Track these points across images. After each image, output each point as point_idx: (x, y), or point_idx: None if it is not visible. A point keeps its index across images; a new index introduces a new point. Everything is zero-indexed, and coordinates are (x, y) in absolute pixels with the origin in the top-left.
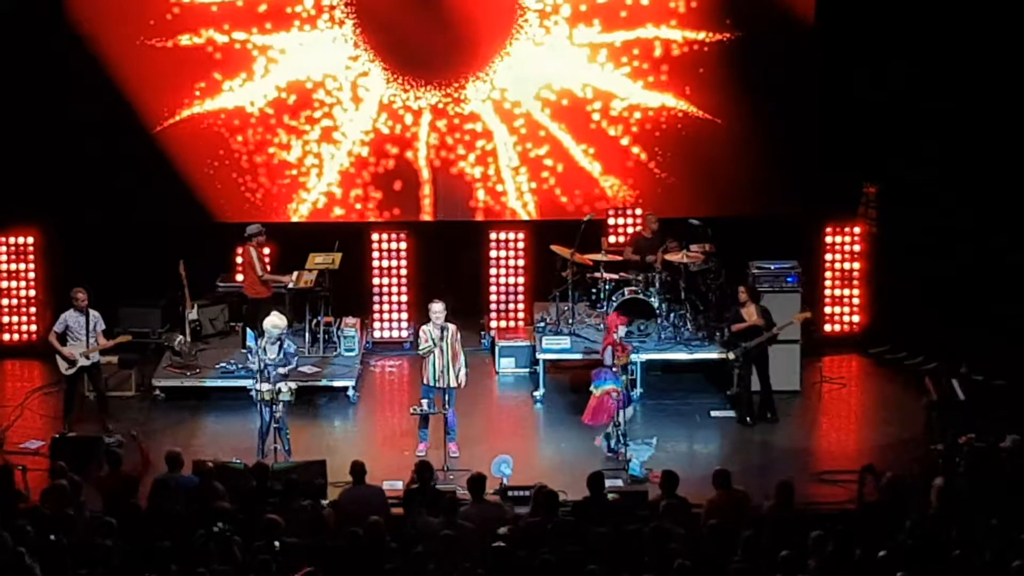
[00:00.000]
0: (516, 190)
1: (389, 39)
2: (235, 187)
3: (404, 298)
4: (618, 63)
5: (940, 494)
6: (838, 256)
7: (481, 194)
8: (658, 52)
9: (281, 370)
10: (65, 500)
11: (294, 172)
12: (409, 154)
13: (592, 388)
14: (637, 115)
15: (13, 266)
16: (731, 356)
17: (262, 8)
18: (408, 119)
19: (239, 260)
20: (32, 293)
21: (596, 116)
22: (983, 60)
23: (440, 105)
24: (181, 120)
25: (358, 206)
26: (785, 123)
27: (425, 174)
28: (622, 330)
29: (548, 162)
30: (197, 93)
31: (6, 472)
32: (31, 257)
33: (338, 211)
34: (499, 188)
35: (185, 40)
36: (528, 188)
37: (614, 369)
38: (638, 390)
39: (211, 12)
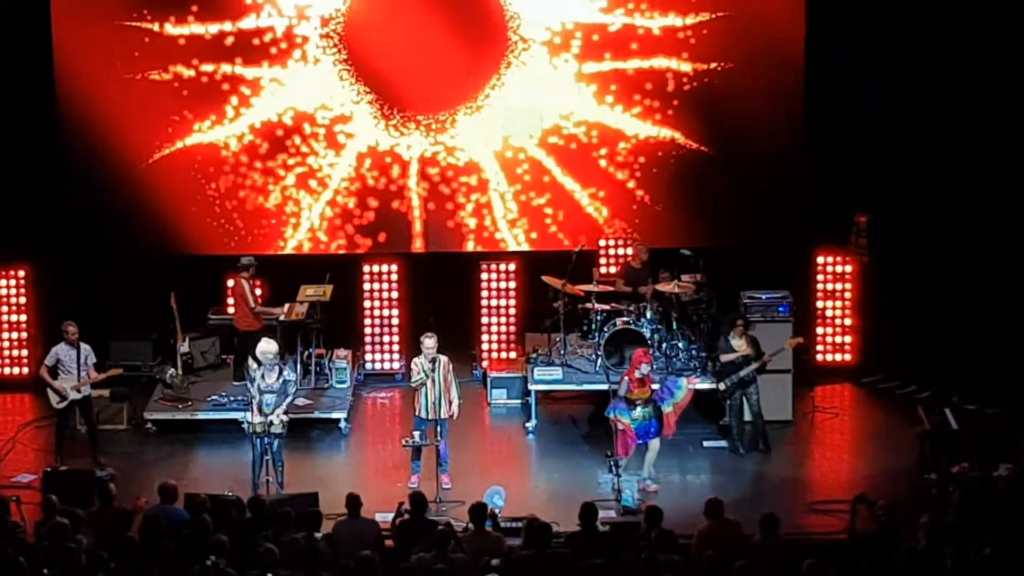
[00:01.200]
0: (507, 221)
1: (379, 71)
2: (225, 219)
3: (396, 329)
4: (608, 93)
5: (928, 530)
6: (829, 286)
7: (472, 224)
8: (648, 83)
9: (279, 409)
10: (59, 534)
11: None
12: (398, 182)
13: (610, 413)
14: (627, 145)
15: (4, 300)
16: (722, 387)
17: (251, 41)
18: (397, 150)
19: (230, 286)
20: (24, 327)
21: (586, 146)
22: (974, 89)
23: (429, 135)
24: (170, 153)
25: (348, 234)
26: (775, 153)
27: (415, 204)
28: (644, 368)
29: (539, 193)
30: (188, 126)
31: (2, 505)
32: (22, 291)
33: (327, 241)
34: (490, 219)
35: (174, 74)
36: (519, 219)
37: (631, 402)
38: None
39: (200, 47)
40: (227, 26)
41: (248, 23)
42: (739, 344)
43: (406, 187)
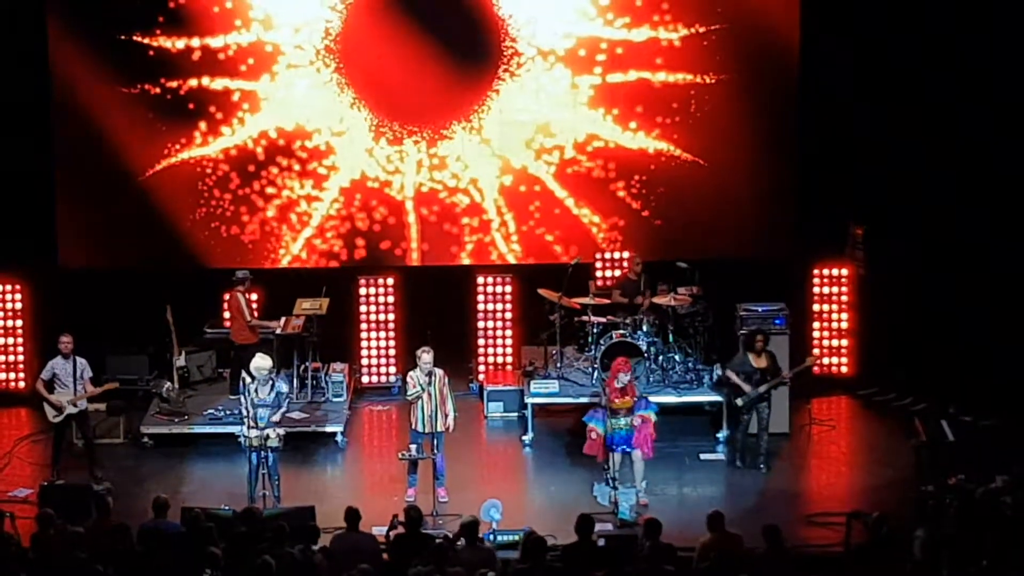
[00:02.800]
0: (503, 234)
1: (374, 84)
2: (221, 233)
3: (392, 343)
4: (604, 106)
5: (923, 544)
6: (826, 297)
7: (468, 238)
8: (642, 96)
9: (274, 418)
10: (55, 547)
11: (282, 216)
12: (395, 197)
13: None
14: (623, 158)
15: (2, 314)
16: (739, 402)
17: (249, 58)
18: (393, 164)
19: (227, 300)
20: (20, 341)
21: (583, 159)
22: (974, 96)
23: (425, 149)
24: (167, 167)
25: (344, 247)
26: (771, 164)
27: (411, 218)
28: (623, 377)
29: (534, 206)
30: (183, 140)
31: None
32: (18, 305)
33: (323, 256)
34: (486, 232)
35: (169, 87)
36: (515, 232)
37: (611, 411)
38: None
39: (194, 60)
40: (222, 40)
41: (243, 37)
42: (756, 360)
43: (402, 200)
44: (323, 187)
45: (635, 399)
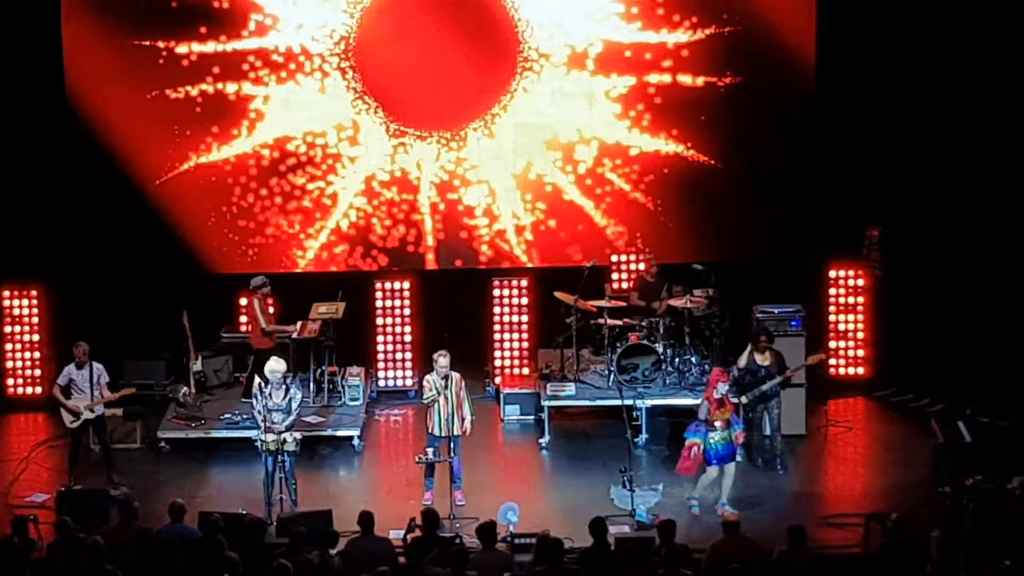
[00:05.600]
0: (519, 237)
1: (389, 88)
2: (237, 238)
3: (408, 347)
4: (618, 109)
5: (940, 545)
6: (842, 299)
7: (484, 241)
8: (658, 98)
9: (286, 423)
10: (73, 552)
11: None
12: (410, 200)
13: (686, 436)
14: (638, 160)
15: (17, 320)
16: (743, 400)
17: (264, 63)
18: (409, 168)
19: (245, 305)
20: (37, 347)
21: (598, 162)
22: (989, 95)
23: (441, 153)
24: (182, 172)
25: (360, 251)
26: (786, 166)
27: (427, 222)
28: (722, 387)
29: (550, 209)
30: (198, 145)
31: (20, 525)
32: (35, 311)
33: (339, 261)
34: (501, 235)
35: (184, 92)
36: (531, 235)
37: (710, 423)
38: (644, 436)
39: (211, 65)
40: (238, 44)
41: (259, 42)
42: (763, 359)
43: (417, 204)
44: (338, 191)
45: (732, 411)
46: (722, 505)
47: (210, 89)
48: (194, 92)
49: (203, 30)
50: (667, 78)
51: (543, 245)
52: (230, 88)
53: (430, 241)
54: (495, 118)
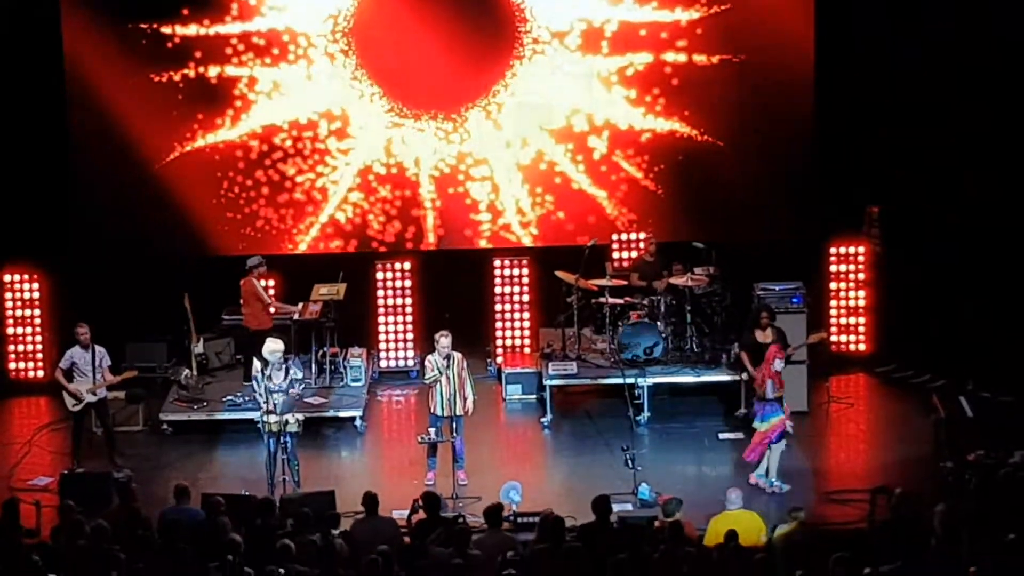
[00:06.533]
0: (519, 217)
1: (389, 69)
2: (238, 220)
3: (410, 327)
4: (620, 88)
5: (943, 519)
6: (843, 276)
7: (484, 221)
8: (659, 77)
9: (283, 401)
10: (75, 535)
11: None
12: (414, 169)
13: (757, 424)
14: (638, 140)
15: (19, 303)
16: (745, 377)
17: (260, 41)
18: (413, 139)
19: (242, 287)
20: (39, 330)
21: (598, 141)
22: (987, 72)
23: (441, 133)
24: (183, 154)
25: (366, 222)
26: (786, 145)
27: (427, 202)
28: (779, 363)
29: (551, 188)
30: (198, 128)
31: (12, 506)
32: (37, 294)
33: (346, 230)
34: (501, 215)
35: (184, 75)
36: (531, 214)
37: (778, 401)
38: (645, 414)
39: (211, 47)
40: (236, 27)
41: (257, 24)
42: (764, 336)
43: (418, 184)
44: (338, 172)
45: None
46: (772, 484)
47: (210, 72)
48: (194, 75)
49: (203, 10)
50: (668, 57)
51: (543, 225)
52: (229, 70)
53: (430, 221)
54: (494, 98)
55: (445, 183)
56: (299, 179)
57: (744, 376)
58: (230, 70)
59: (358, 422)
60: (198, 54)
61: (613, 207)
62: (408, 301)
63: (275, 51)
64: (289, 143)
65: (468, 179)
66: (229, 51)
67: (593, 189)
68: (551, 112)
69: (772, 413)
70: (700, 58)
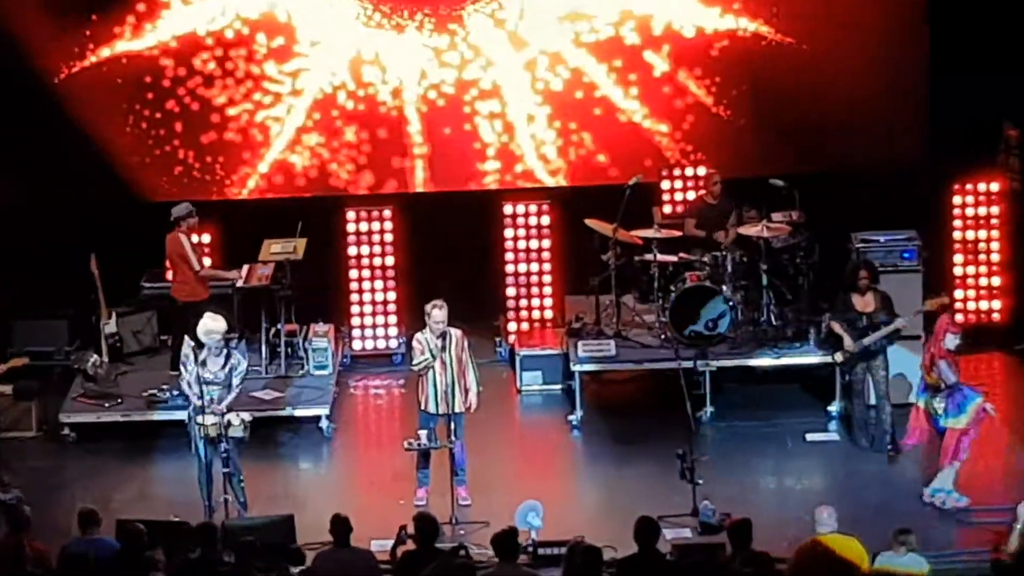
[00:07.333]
0: (536, 148)
1: None
2: (164, 155)
3: (392, 296)
4: None
5: None
6: (971, 222)
7: (491, 154)
8: None
9: (227, 401)
10: None
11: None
12: (394, 102)
13: (948, 420)
14: (696, 44)
15: None
16: (838, 358)
17: None
18: (392, 58)
19: (166, 245)
20: None
21: (644, 47)
22: None
23: (436, 39)
24: (90, 66)
25: (330, 167)
26: (895, 50)
27: (416, 130)
28: (951, 340)
29: (580, 111)
30: (108, 32)
31: None
32: None
33: (299, 183)
34: (514, 146)
35: None
36: (553, 145)
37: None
38: (708, 409)
39: None
40: None
41: None
42: (864, 302)
43: (403, 107)
44: (297, 92)
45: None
46: (948, 494)
47: None
48: None
49: None
50: None
51: (570, 158)
52: None
53: (419, 156)
54: None
55: (437, 120)
56: (243, 100)
57: (837, 357)
58: None
59: (324, 423)
60: None
61: (661, 132)
62: (390, 261)
63: None
64: (213, 64)
65: (469, 97)
66: None
67: (649, 123)
68: (575, 6)
69: (967, 400)
70: None
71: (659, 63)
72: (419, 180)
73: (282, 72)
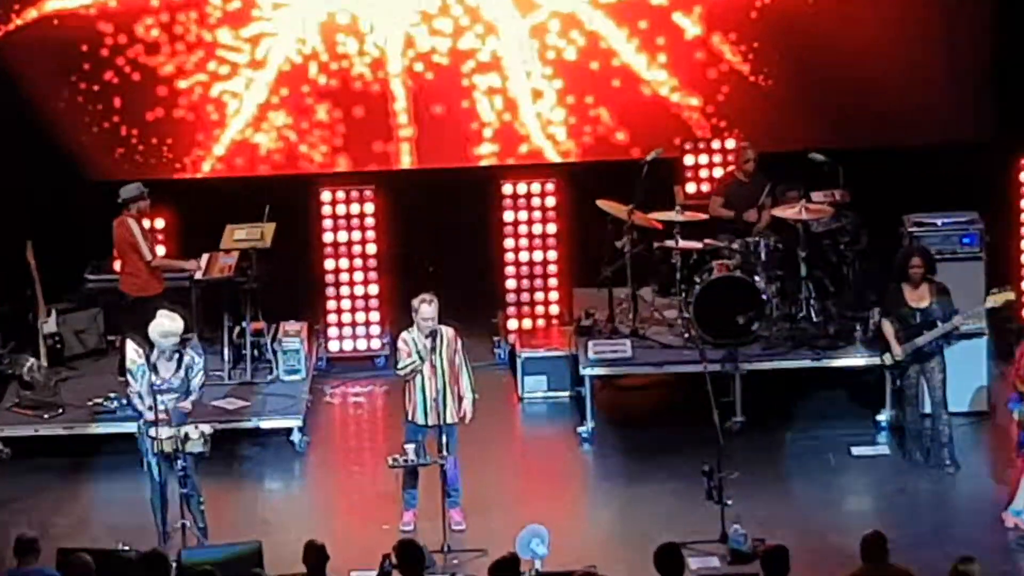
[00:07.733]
0: (543, 128)
1: None
2: (106, 129)
3: (374, 289)
4: None
5: None
6: None
7: (488, 126)
8: None
9: (184, 404)
10: None
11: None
12: (375, 75)
13: None
14: (748, 14)
15: None
16: (888, 360)
17: None
18: (373, 23)
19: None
20: None
21: (668, 6)
22: None
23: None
24: (15, 29)
25: (299, 149)
26: (957, 12)
27: (401, 108)
28: None
29: (591, 78)
30: None
31: None
32: None
33: (262, 169)
34: (518, 125)
35: None
36: (561, 117)
37: None
38: (739, 419)
39: None
40: None
41: None
42: (916, 296)
43: (386, 72)
44: (259, 63)
45: None
46: (1018, 514)
47: None
48: None
49: None
50: None
51: (578, 129)
52: None
53: (404, 127)
54: None
55: (425, 68)
56: (180, 84)
57: (887, 359)
58: None
59: (296, 436)
60: None
61: (705, 121)
62: (372, 249)
63: None
64: (157, 31)
65: (461, 60)
66: None
67: (678, 95)
68: None
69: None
70: None
71: (689, 26)
72: (404, 166)
73: (239, 39)
